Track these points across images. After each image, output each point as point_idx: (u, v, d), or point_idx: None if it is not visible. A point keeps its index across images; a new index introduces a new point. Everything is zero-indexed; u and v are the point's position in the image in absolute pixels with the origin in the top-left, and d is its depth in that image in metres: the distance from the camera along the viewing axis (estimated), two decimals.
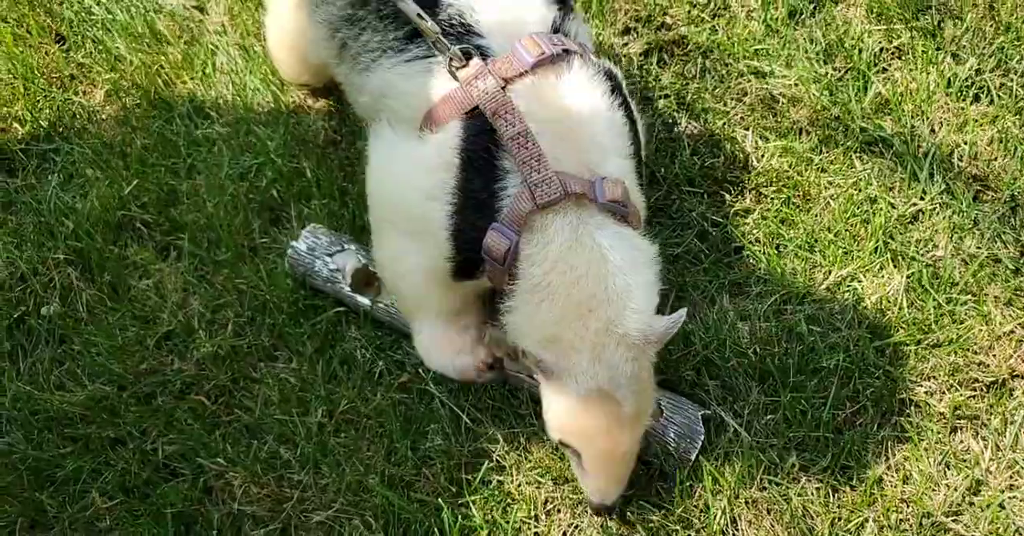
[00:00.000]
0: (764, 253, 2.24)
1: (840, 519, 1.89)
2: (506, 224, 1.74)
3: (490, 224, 1.75)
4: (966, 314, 2.10)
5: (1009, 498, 1.89)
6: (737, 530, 1.89)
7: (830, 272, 2.19)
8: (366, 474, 1.94)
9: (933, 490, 1.91)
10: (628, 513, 1.89)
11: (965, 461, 1.94)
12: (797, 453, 1.94)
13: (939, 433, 1.97)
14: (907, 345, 2.07)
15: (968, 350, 2.06)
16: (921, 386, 2.03)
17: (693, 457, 1.93)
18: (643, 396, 1.76)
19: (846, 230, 2.25)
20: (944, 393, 2.02)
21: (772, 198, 2.32)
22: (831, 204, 2.30)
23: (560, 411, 1.77)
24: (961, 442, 1.98)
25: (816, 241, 2.25)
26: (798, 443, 1.97)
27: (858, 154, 2.36)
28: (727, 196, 2.34)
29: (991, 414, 1.99)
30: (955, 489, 1.89)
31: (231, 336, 2.12)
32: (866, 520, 1.88)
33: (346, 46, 1.98)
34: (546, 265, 1.74)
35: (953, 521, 1.85)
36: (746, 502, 1.91)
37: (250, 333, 2.13)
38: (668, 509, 1.89)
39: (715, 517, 1.87)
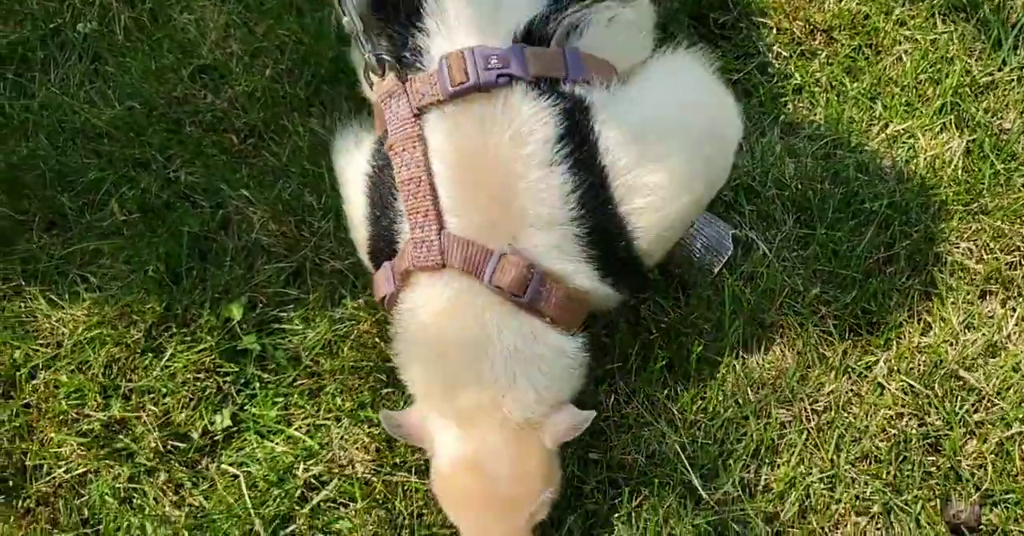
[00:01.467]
0: (824, 97, 2.15)
1: (852, 356, 1.87)
2: (392, 269, 1.57)
3: (383, 261, 1.59)
4: (1022, 186, 2.05)
5: None
6: (747, 350, 1.87)
7: (888, 125, 2.11)
8: None
9: (951, 344, 1.88)
10: (641, 310, 1.87)
11: (988, 324, 1.91)
12: (821, 286, 1.92)
13: (968, 294, 1.93)
14: (954, 205, 2.01)
15: (1016, 220, 2.01)
16: (959, 247, 1.98)
17: (717, 270, 1.89)
18: (527, 483, 1.55)
19: (914, 87, 2.16)
20: (982, 257, 1.97)
21: (843, 44, 2.22)
22: (903, 59, 2.19)
23: (435, 476, 1.60)
24: (988, 306, 1.94)
25: (879, 93, 2.16)
26: (824, 278, 1.94)
27: (943, 14, 2.24)
28: (797, 33, 2.23)
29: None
30: (973, 345, 1.87)
31: (268, 80, 2.06)
32: (878, 360, 1.86)
33: None
34: (417, 327, 1.55)
35: (966, 371, 1.84)
36: (761, 324, 1.89)
37: (287, 82, 2.07)
38: (683, 314, 1.87)
39: (729, 331, 1.85)
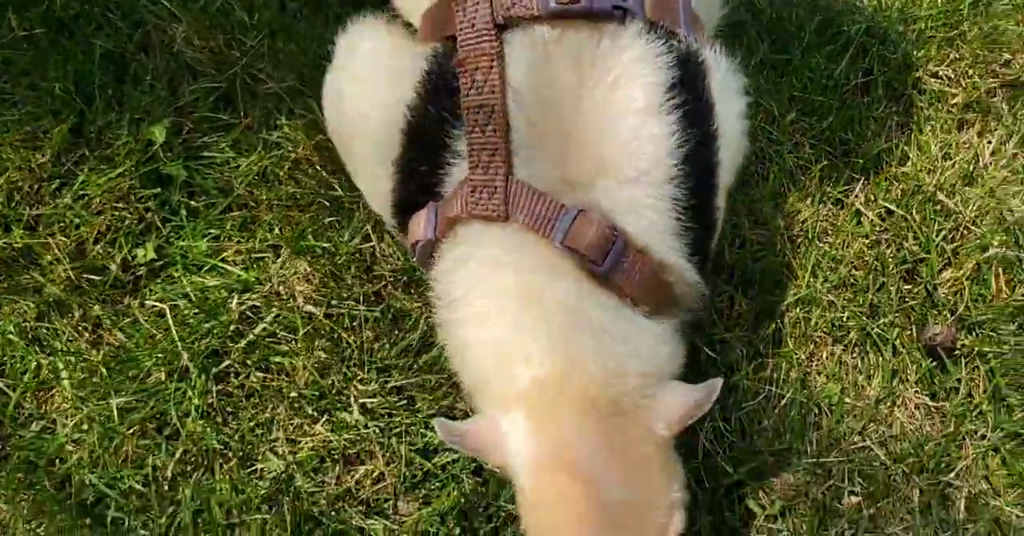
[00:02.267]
0: None
1: (828, 183, 1.77)
2: (435, 214, 1.27)
3: (427, 201, 1.29)
4: (1003, 14, 1.96)
5: (1002, 188, 1.80)
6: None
7: None
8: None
9: (928, 172, 1.79)
10: None
11: (966, 152, 1.83)
12: (797, 113, 1.80)
13: (946, 123, 1.84)
14: (932, 33, 1.92)
15: (994, 48, 1.92)
16: (937, 75, 1.89)
17: None
18: (643, 482, 1.20)
19: None
20: (961, 85, 1.88)
21: None
22: None
23: (523, 502, 1.22)
24: (966, 136, 1.86)
25: None
26: (800, 105, 1.82)
27: None
28: None
29: (1002, 114, 1.87)
30: (951, 171, 1.79)
31: None
32: (854, 188, 1.76)
33: None
34: (473, 288, 1.24)
35: (944, 196, 1.75)
36: None
37: None
38: None
39: None
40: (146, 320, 1.57)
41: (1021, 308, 1.68)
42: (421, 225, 1.28)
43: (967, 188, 1.80)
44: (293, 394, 1.53)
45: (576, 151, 1.20)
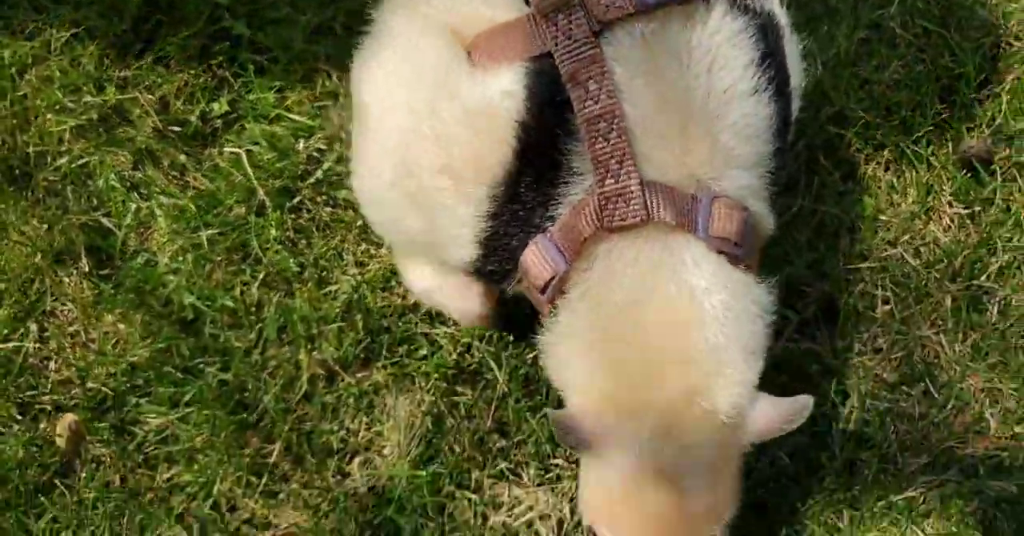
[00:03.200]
0: None
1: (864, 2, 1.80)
2: (556, 242, 1.22)
3: (532, 236, 1.23)
4: None
5: None
6: None
7: None
8: None
9: None
10: None
11: None
12: None
13: None
14: None
15: None
16: None
17: None
18: (719, 493, 1.26)
19: None
20: None
21: None
22: None
23: (599, 490, 1.29)
24: None
25: None
26: None
27: None
28: None
29: None
30: None
31: None
32: (890, 7, 1.79)
33: None
34: (606, 305, 1.22)
35: (986, 11, 1.76)
36: None
37: None
38: None
39: None
40: (225, 164, 1.75)
41: None
42: (540, 260, 1.23)
43: (1009, 2, 1.80)
44: (359, 223, 1.70)
45: (694, 143, 1.19)
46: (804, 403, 1.22)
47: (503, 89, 1.18)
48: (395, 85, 1.30)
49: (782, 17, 1.30)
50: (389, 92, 1.31)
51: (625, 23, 1.16)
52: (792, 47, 1.32)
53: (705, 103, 1.19)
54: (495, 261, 1.28)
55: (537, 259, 1.23)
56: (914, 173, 1.70)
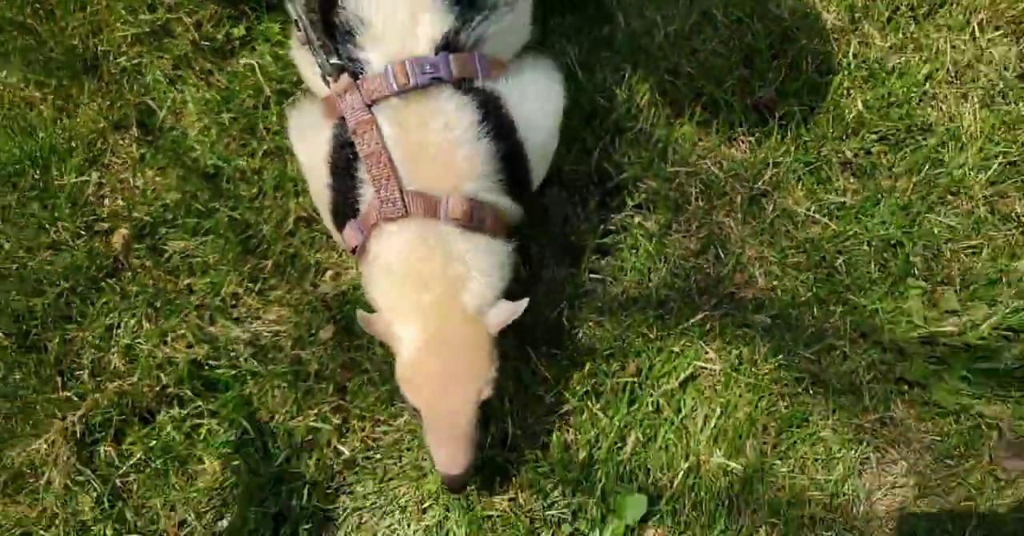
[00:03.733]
0: None
1: None
2: (358, 226, 1.93)
3: (349, 220, 1.95)
4: None
5: None
6: None
7: None
8: None
9: None
10: None
11: None
12: None
13: None
14: None
15: None
16: None
17: None
18: (476, 363, 1.90)
19: None
20: None
21: None
22: None
23: (400, 366, 1.92)
24: None
25: None
26: None
27: None
28: None
29: None
30: None
31: None
32: None
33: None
34: (390, 256, 1.89)
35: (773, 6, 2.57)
36: None
37: None
38: None
39: None
40: (241, 70, 2.44)
41: (818, 83, 2.51)
42: (351, 235, 1.95)
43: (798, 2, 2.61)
44: None
45: (439, 166, 1.88)
46: (522, 303, 1.92)
47: (324, 137, 1.93)
48: (303, 150, 2.07)
49: (509, 90, 1.96)
50: (304, 152, 2.07)
51: (386, 99, 1.85)
52: (528, 108, 1.98)
53: (444, 145, 1.87)
54: (340, 226, 1.99)
55: (349, 234, 1.95)
56: (721, 113, 2.49)
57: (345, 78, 1.85)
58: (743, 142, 2.50)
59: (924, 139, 2.50)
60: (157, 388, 2.13)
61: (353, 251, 1.98)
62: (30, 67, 2.40)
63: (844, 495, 2.17)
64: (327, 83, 1.87)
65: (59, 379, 2.10)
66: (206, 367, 2.17)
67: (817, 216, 2.42)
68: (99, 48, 2.42)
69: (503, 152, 1.92)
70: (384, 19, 1.84)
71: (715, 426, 2.20)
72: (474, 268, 1.90)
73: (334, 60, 1.85)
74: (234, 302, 2.25)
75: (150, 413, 2.14)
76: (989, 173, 2.45)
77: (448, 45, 1.86)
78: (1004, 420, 2.28)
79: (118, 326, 2.18)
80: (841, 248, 2.38)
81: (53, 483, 2.04)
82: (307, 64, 1.98)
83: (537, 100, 2.05)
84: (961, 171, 2.46)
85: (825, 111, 2.51)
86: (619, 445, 2.17)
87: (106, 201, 2.31)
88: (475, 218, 1.90)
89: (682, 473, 2.15)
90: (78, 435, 2.06)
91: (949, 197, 2.46)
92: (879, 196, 2.43)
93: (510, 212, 2.04)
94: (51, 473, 2.04)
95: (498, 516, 2.12)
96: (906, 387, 2.27)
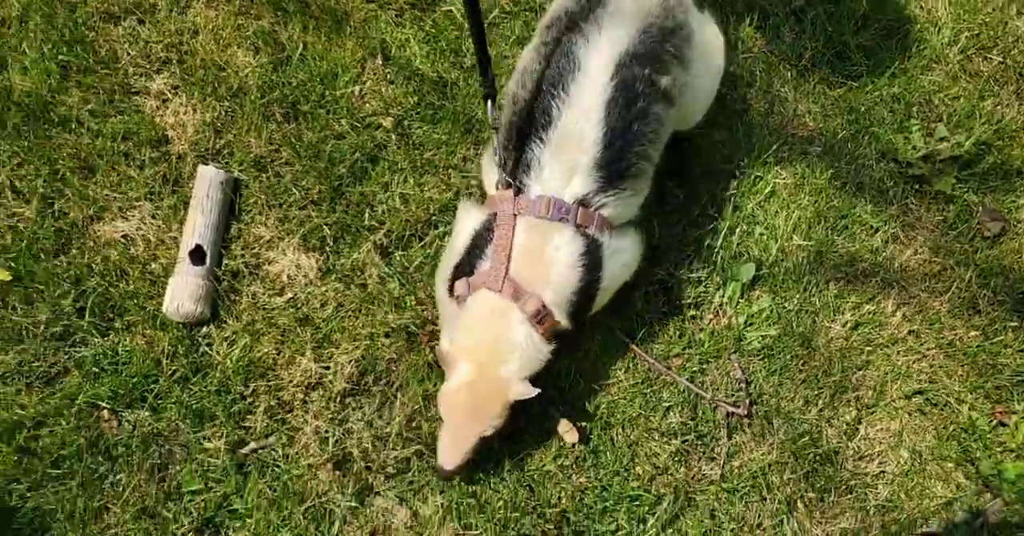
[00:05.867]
0: None
1: None
2: (469, 282, 2.58)
3: (463, 277, 2.62)
4: None
5: None
6: None
7: None
8: None
9: None
10: None
11: None
12: None
13: None
14: None
15: None
16: None
17: None
18: (490, 409, 2.56)
19: None
20: None
21: None
22: None
23: (444, 387, 2.62)
24: None
25: None
26: None
27: None
28: None
29: None
30: None
31: None
32: None
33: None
34: (476, 314, 2.56)
35: None
36: None
37: None
38: None
39: None
40: (440, 16, 3.54)
41: None
42: (462, 287, 2.60)
43: None
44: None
45: (536, 275, 2.54)
46: (533, 391, 2.55)
47: (479, 219, 2.66)
48: (462, 219, 2.78)
49: (607, 242, 2.61)
50: (461, 220, 2.79)
51: (528, 217, 2.53)
52: (613, 260, 2.66)
53: (547, 263, 2.54)
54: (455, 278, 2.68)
55: (460, 285, 2.62)
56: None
57: (510, 191, 2.54)
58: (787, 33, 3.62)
59: (912, 27, 3.63)
60: (424, 218, 3.21)
61: (456, 298, 2.63)
62: (315, 22, 3.49)
63: (884, 257, 3.26)
64: (497, 187, 2.59)
65: (367, 211, 3.17)
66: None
67: (844, 81, 3.53)
68: (347, 5, 3.53)
69: (584, 282, 2.58)
70: (552, 171, 2.53)
71: (792, 219, 3.29)
72: (518, 352, 2.56)
73: (510, 180, 2.55)
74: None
75: (419, 237, 3.22)
76: (959, 45, 3.58)
77: (582, 201, 2.53)
78: (984, 201, 3.38)
79: (391, 183, 3.26)
80: (863, 100, 3.49)
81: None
82: (489, 171, 2.73)
83: (621, 255, 2.71)
84: (939, 44, 3.58)
85: (845, 10, 3.64)
86: (731, 237, 3.25)
87: (367, 105, 3.39)
88: (540, 318, 2.53)
89: (775, 251, 3.23)
90: (383, 246, 3.13)
91: (933, 64, 3.58)
92: (885, 66, 3.54)
93: (561, 326, 2.66)
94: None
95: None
96: (916, 185, 3.38)
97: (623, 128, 2.47)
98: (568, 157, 2.49)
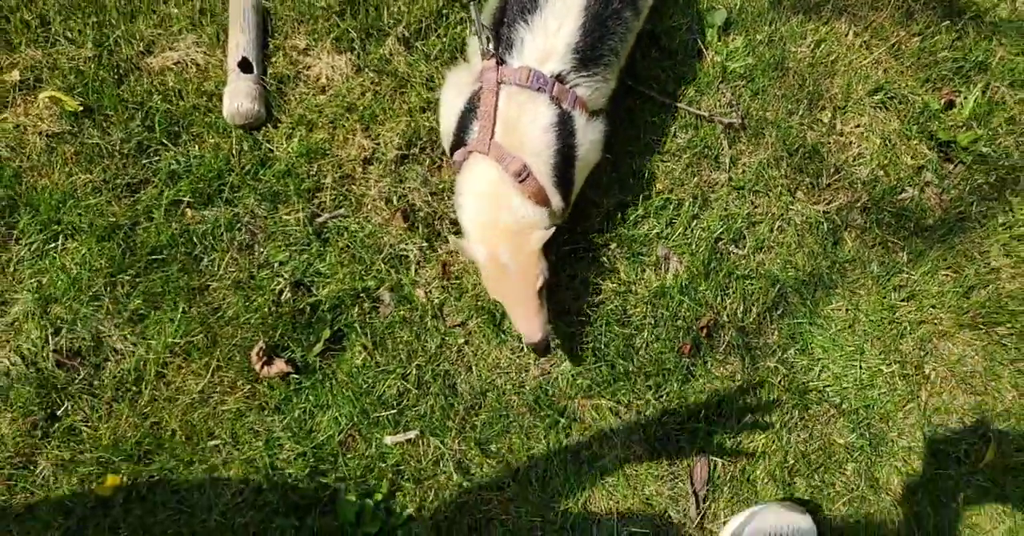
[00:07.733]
0: None
1: None
2: (464, 150, 2.74)
3: (461, 147, 2.76)
4: None
5: None
6: None
7: None
8: None
9: None
10: None
11: None
12: None
13: None
14: None
15: None
16: None
17: None
18: (525, 266, 2.65)
19: None
20: None
21: None
22: None
23: (482, 276, 2.75)
24: None
25: None
26: None
27: None
28: None
29: None
30: None
31: None
32: None
33: None
34: (472, 179, 2.70)
35: None
36: None
37: None
38: None
39: None
40: None
41: None
42: (459, 155, 2.75)
43: None
44: None
45: (516, 137, 2.66)
46: (548, 232, 2.70)
47: (466, 94, 2.79)
48: (448, 96, 2.93)
49: (579, 117, 2.76)
50: (447, 96, 2.94)
51: (507, 84, 2.67)
52: (585, 131, 2.81)
53: (525, 127, 2.67)
54: (454, 151, 2.83)
55: (458, 153, 2.77)
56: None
57: (493, 61, 2.70)
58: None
59: None
60: (436, 9, 3.63)
61: (455, 163, 2.80)
62: None
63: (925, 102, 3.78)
64: (482, 57, 2.73)
65: (384, 11, 3.59)
66: None
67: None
68: None
69: (558, 147, 2.70)
70: (531, 49, 2.72)
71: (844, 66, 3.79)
72: (532, 217, 2.70)
73: (491, 48, 2.71)
74: None
75: (433, 29, 3.64)
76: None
77: (559, 78, 2.71)
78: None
79: None
80: None
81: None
82: (474, 47, 2.90)
83: (592, 133, 2.88)
84: None
85: None
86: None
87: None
88: (522, 177, 2.64)
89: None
90: (405, 37, 3.56)
91: None
92: None
93: (548, 194, 2.75)
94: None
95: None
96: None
97: (599, 23, 2.79)
98: (548, 41, 2.76)
